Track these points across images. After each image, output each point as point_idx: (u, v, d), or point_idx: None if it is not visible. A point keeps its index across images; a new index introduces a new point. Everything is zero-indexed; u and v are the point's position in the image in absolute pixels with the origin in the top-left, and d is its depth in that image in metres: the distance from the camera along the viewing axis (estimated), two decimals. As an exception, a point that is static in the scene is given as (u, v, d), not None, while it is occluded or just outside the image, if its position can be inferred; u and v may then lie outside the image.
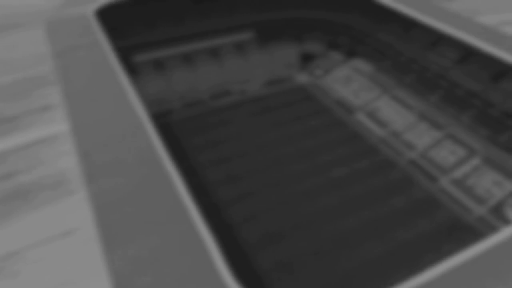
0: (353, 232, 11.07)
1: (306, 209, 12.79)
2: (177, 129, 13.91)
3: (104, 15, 8.69)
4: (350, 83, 20.47)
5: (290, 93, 21.43)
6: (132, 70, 8.03)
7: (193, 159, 11.44)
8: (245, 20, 20.63)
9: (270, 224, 11.72)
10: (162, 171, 3.90)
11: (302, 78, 21.30)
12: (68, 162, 6.01)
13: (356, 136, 16.92)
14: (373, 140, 15.96)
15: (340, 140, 16.84)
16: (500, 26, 16.77)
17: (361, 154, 15.93)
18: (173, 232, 3.05)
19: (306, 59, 22.33)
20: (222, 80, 17.55)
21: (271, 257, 10.65)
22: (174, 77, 16.20)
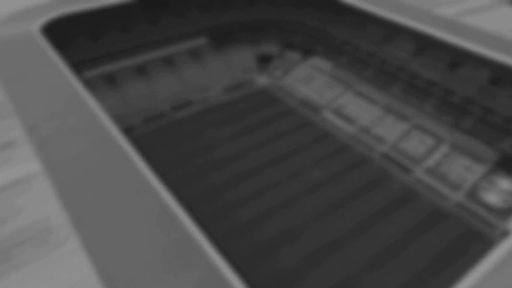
0: (342, 235, 11.20)
1: (292, 216, 12.18)
2: (143, 146, 12.42)
3: (50, 32, 7.40)
4: (311, 82, 19.90)
5: (253, 97, 20.42)
6: (84, 87, 7.14)
7: (167, 177, 10.11)
8: (197, 26, 19.46)
9: (260, 236, 10.89)
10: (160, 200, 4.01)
11: (262, 80, 20.39)
12: (49, 208, 5.00)
13: (327, 135, 16.31)
14: (344, 137, 15.78)
15: (312, 141, 16.26)
16: (459, 16, 17.15)
17: (335, 153, 15.36)
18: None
19: (263, 61, 21.54)
20: (181, 90, 16.32)
21: (268, 270, 9.68)
22: (130, 91, 14.75)
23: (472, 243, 15.22)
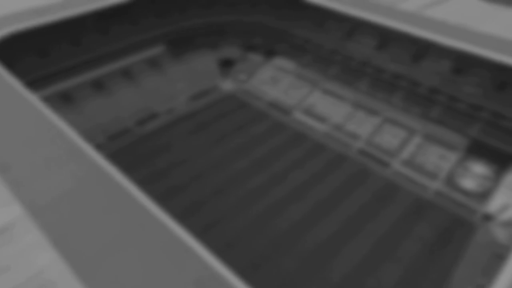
0: (334, 236, 14.98)
1: (282, 223, 13.04)
2: (114, 165, 11.53)
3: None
4: (277, 83, 20.10)
5: (221, 104, 20.36)
6: None
7: (150, 194, 9.57)
8: (153, 33, 19.28)
9: (255, 246, 11.66)
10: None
11: (227, 85, 20.31)
12: (44, 259, 4.48)
13: (301, 136, 16.85)
14: (318, 137, 16.69)
15: (287, 143, 16.89)
16: (422, 9, 17.83)
17: (312, 154, 16.05)
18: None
19: (226, 65, 21.44)
20: (144, 102, 16.28)
21: (271, 279, 10.49)
22: (88, 108, 14.39)
23: (456, 229, 15.75)
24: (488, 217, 19.97)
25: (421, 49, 25.20)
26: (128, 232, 9.79)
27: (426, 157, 24.12)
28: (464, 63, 23.63)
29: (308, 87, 28.64)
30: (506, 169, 21.31)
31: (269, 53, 31.69)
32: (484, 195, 20.75)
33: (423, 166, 22.55)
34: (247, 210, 19.22)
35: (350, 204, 19.98)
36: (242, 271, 10.17)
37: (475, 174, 23.14)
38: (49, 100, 20.12)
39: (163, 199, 13.48)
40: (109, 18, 27.03)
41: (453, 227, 19.27)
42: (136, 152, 22.90)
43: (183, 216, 12.96)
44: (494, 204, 20.11)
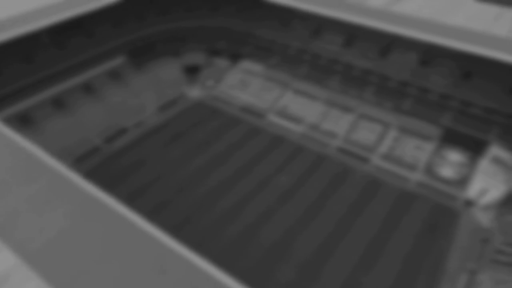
0: (328, 239, 15.40)
1: (274, 230, 13.37)
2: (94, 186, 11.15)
3: None
4: (247, 87, 19.94)
5: (191, 112, 19.97)
6: None
7: (137, 212, 9.47)
8: (112, 44, 18.71)
9: (250, 256, 11.62)
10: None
11: (194, 93, 19.95)
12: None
13: (279, 139, 16.87)
14: (296, 138, 16.93)
15: (266, 147, 16.93)
16: (389, 6, 18.41)
17: (293, 156, 16.19)
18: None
19: (191, 72, 21.02)
20: (110, 118, 15.96)
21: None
22: (50, 130, 13.74)
23: (441, 218, 16.25)
24: (469, 203, 20.66)
25: (389, 44, 25.81)
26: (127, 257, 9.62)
27: (403, 149, 25.02)
28: (431, 55, 24.58)
29: (279, 88, 28.45)
30: (480, 155, 22.26)
31: (235, 57, 31.22)
32: (462, 181, 21.55)
33: (402, 159, 23.14)
34: (238, 221, 18.75)
35: (338, 204, 20.06)
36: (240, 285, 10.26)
37: (451, 162, 23.47)
38: (8, 124, 18.86)
39: (149, 217, 13.59)
40: (64, 32, 25.68)
41: (438, 216, 19.83)
42: (110, 171, 21.78)
43: (174, 232, 12.01)
44: (473, 190, 20.96)
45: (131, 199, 19.04)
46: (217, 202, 20.13)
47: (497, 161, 21.87)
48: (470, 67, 23.48)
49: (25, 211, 10.38)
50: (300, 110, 26.94)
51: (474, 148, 22.30)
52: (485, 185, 20.97)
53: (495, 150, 22.10)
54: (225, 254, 17.40)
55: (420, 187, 21.90)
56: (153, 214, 15.48)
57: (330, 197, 20.54)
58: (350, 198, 20.59)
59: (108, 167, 22.06)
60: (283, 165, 22.55)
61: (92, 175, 20.29)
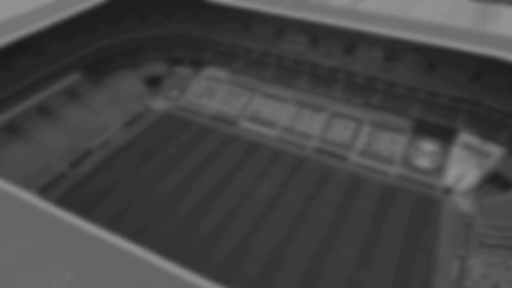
0: (321, 243, 15.94)
1: (266, 242, 16.02)
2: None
3: None
4: (214, 94, 19.77)
5: (159, 126, 19.42)
6: None
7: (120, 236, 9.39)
8: (65, 61, 18.28)
9: (246, 272, 14.46)
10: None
11: (160, 105, 19.44)
12: None
13: (254, 145, 16.85)
14: (272, 143, 17.16)
15: (243, 155, 16.98)
16: (354, 4, 18.91)
17: (271, 162, 16.23)
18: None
19: (153, 83, 20.46)
20: (72, 140, 15.50)
21: None
22: (7, 159, 13.15)
23: (424, 208, 16.78)
24: (448, 190, 21.89)
25: (353, 41, 26.42)
26: None
27: (379, 144, 24.52)
28: (395, 49, 25.40)
29: (247, 93, 28.42)
30: (451, 142, 23.66)
31: (197, 64, 30.69)
32: (439, 170, 22.79)
33: (379, 153, 23.82)
34: (226, 237, 18.30)
35: (325, 206, 20.23)
36: None
37: (426, 152, 23.90)
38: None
39: (135, 240, 12.28)
40: (10, 54, 23.47)
41: (422, 207, 20.58)
42: (80, 198, 20.40)
43: (161, 257, 11.83)
44: (450, 177, 22.22)
45: (108, 227, 17.52)
46: (200, 221, 19.76)
47: (468, 147, 23.07)
48: (434, 59, 24.70)
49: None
50: (272, 113, 26.99)
51: (445, 136, 23.53)
52: (460, 171, 22.12)
53: (465, 137, 23.45)
54: (220, 274, 16.77)
55: (400, 179, 22.70)
56: (135, 241, 14.32)
57: (316, 200, 20.86)
58: (336, 199, 20.93)
59: (77, 194, 20.71)
60: (263, 173, 22.54)
61: (60, 204, 18.61)
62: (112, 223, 18.65)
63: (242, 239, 18.46)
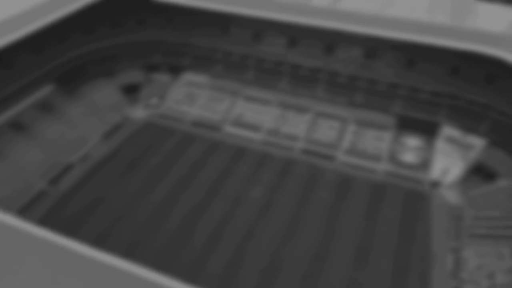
0: (318, 246, 15.84)
1: (262, 248, 15.96)
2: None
3: None
4: (195, 100, 19.49)
5: (141, 135, 19.01)
6: None
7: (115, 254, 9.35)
8: (37, 73, 17.87)
9: (246, 279, 14.45)
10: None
11: (139, 113, 19.01)
12: None
13: (241, 149, 16.77)
14: (258, 146, 17.08)
15: (230, 160, 16.96)
16: (333, 4, 19.03)
17: (260, 165, 16.19)
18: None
19: (131, 92, 19.95)
20: (50, 156, 15.10)
21: None
22: None
23: (415, 203, 17.05)
24: (435, 184, 22.32)
25: (333, 41, 26.27)
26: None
27: (365, 142, 24.86)
28: (375, 47, 25.65)
29: (228, 97, 28.27)
30: (434, 136, 24.22)
31: (175, 70, 30.06)
32: (425, 164, 23.24)
33: (365, 151, 24.10)
34: (221, 246, 18.00)
35: (318, 208, 20.24)
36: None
37: (411, 147, 24.44)
38: None
39: (131, 255, 12.22)
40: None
41: (412, 202, 20.92)
42: (63, 217, 19.40)
43: (156, 272, 11.79)
44: (436, 170, 22.68)
45: (97, 245, 16.71)
46: (193, 232, 19.14)
47: (451, 140, 23.62)
48: (413, 55, 25.01)
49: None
50: (256, 116, 26.89)
51: (428, 130, 23.98)
52: (445, 164, 22.63)
53: (447, 130, 23.98)
54: (219, 286, 16.49)
55: (388, 176, 22.99)
56: (126, 257, 13.69)
57: (308, 202, 20.89)
58: (327, 199, 21.08)
59: (60, 213, 19.72)
60: (252, 177, 22.35)
61: (43, 225, 17.61)
62: (100, 241, 17.94)
63: (238, 247, 18.17)
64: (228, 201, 20.75)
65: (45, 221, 19.30)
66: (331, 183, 22.19)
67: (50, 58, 28.25)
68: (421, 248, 18.56)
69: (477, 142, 22.74)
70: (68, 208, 20.33)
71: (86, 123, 27.31)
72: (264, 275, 17.31)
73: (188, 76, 30.25)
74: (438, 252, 18.50)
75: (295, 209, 20.59)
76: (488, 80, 23.17)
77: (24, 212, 20.23)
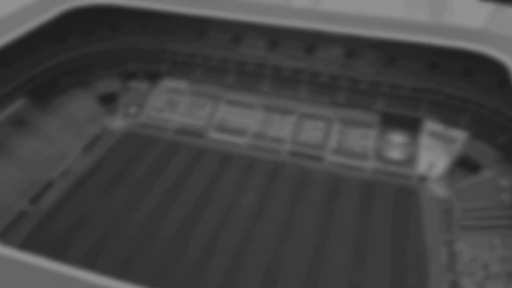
0: (315, 249, 15.95)
1: (260, 255, 16.07)
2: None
3: None
4: (176, 107, 19.33)
5: (123, 146, 18.73)
6: None
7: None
8: (7, 87, 17.36)
9: (244, 284, 13.79)
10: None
11: (118, 123, 18.68)
12: None
13: (228, 155, 16.84)
14: (245, 151, 17.18)
15: (218, 167, 17.13)
16: (314, 5, 19.14)
17: (248, 170, 16.31)
18: None
19: (108, 101, 19.66)
20: (28, 174, 14.84)
21: None
22: None
23: (405, 199, 17.29)
24: (423, 179, 22.75)
25: (313, 41, 26.52)
26: None
27: (351, 140, 24.87)
28: (355, 46, 25.94)
29: (210, 102, 27.77)
30: (418, 131, 24.65)
31: (153, 77, 29.20)
32: (411, 160, 23.69)
33: (352, 150, 24.26)
34: (217, 257, 17.61)
35: (310, 210, 20.27)
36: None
37: (396, 144, 24.69)
38: None
39: (127, 275, 12.17)
40: None
41: (402, 198, 21.16)
42: (48, 238, 18.50)
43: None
44: (423, 165, 23.10)
45: (88, 266, 15.08)
46: (187, 243, 18.65)
47: (434, 134, 24.14)
48: (393, 53, 25.39)
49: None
50: (240, 120, 26.62)
51: (412, 126, 24.38)
52: (431, 158, 23.05)
53: (430, 125, 24.45)
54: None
55: (377, 173, 23.27)
56: (120, 276, 13.10)
57: (300, 205, 20.80)
58: (319, 201, 20.98)
59: (44, 233, 18.77)
60: (242, 183, 22.02)
61: (25, 248, 16.99)
62: (91, 260, 17.30)
63: (235, 256, 17.84)
64: (220, 209, 20.36)
65: (28, 244, 18.41)
66: (321, 184, 22.26)
67: (21, 71, 26.87)
68: (416, 244, 18.77)
69: (460, 135, 23.41)
70: (52, 227, 19.47)
71: (63, 137, 26.18)
72: (264, 282, 17.09)
73: (167, 83, 29.52)
74: (432, 246, 18.74)
75: (288, 213, 20.47)
76: (466, 74, 23.93)
77: (4, 235, 19.18)
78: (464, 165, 22.56)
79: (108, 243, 18.58)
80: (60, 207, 20.66)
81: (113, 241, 18.82)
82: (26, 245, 18.18)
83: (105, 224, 19.55)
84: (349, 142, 24.79)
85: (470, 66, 23.49)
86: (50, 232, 18.95)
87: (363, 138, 25.04)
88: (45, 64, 28.31)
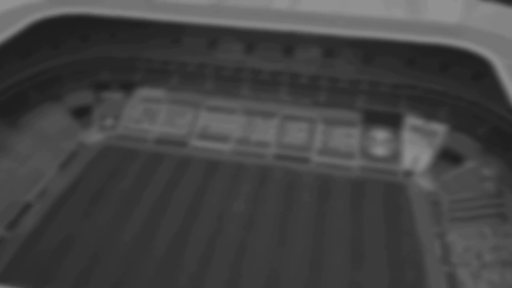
0: (312, 253, 16.22)
1: (257, 264, 16.17)
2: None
3: None
4: (154, 116, 19.08)
5: (102, 161, 18.38)
6: None
7: None
8: None
9: None
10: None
11: (94, 137, 18.34)
12: None
13: (213, 163, 16.83)
14: (230, 158, 17.29)
15: (204, 176, 17.12)
16: (294, 6, 19.05)
17: (235, 178, 16.41)
18: None
19: (82, 114, 19.16)
20: (2, 197, 14.30)
21: None
22: None
23: (394, 195, 17.51)
24: (408, 173, 23.03)
25: (290, 42, 26.39)
26: None
27: (336, 140, 24.86)
28: (333, 46, 25.89)
29: (190, 110, 27.12)
30: (400, 127, 24.98)
31: (127, 86, 28.26)
32: (396, 155, 23.91)
33: (338, 149, 24.25)
34: (213, 270, 17.10)
35: (303, 213, 20.05)
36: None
37: (380, 140, 24.89)
38: None
39: None
40: None
41: (392, 194, 21.28)
42: (30, 265, 17.25)
43: None
44: (407, 160, 23.38)
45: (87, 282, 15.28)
46: (181, 258, 17.90)
47: (415, 129, 24.54)
48: (370, 50, 25.67)
49: None
50: (222, 126, 26.10)
51: (393, 122, 24.78)
52: (415, 153, 23.43)
53: (411, 120, 24.89)
54: None
55: (364, 171, 23.30)
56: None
57: (292, 209, 20.55)
58: (310, 203, 20.82)
59: (25, 260, 17.58)
60: (231, 191, 21.51)
61: (6, 279, 16.22)
62: (81, 285, 16.26)
63: (232, 266, 17.32)
64: (211, 219, 19.80)
65: (8, 274, 17.01)
66: (310, 185, 22.14)
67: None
68: (410, 239, 18.91)
69: (440, 128, 24.01)
70: (34, 254, 18.09)
71: (37, 155, 24.68)
72: (268, 285, 16.77)
73: (143, 92, 28.57)
74: (425, 240, 18.94)
75: (281, 218, 20.19)
76: (442, 68, 24.52)
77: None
78: (447, 157, 23.16)
79: (98, 264, 17.53)
80: (41, 231, 19.54)
81: (103, 261, 17.77)
82: (7, 275, 16.89)
83: (92, 244, 18.64)
84: (334, 141, 24.92)
85: (446, 60, 24.11)
86: (32, 259, 17.74)
87: (347, 137, 25.26)
88: (12, 79, 26.76)
